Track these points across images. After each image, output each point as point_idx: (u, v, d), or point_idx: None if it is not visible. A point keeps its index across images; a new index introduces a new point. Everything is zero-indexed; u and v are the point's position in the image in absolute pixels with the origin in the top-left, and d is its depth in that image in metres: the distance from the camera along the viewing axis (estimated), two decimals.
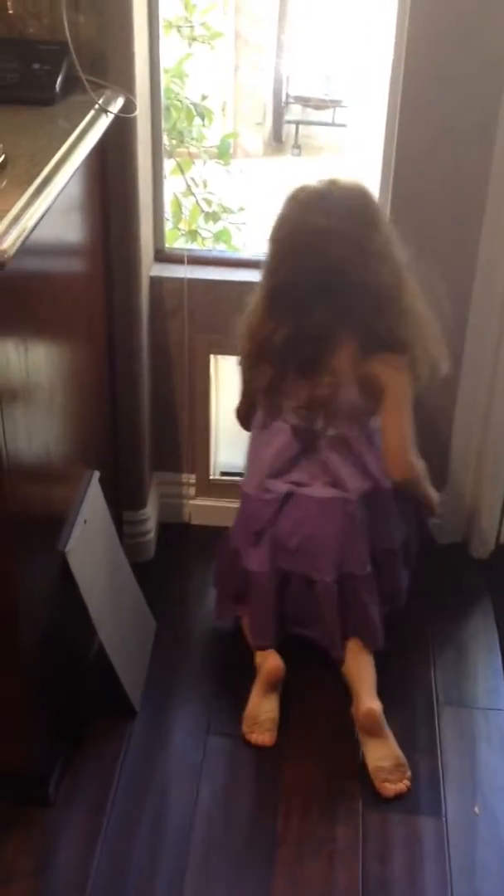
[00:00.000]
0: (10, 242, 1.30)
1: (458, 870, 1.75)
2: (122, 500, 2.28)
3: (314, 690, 2.02)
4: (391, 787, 1.86)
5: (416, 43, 1.95)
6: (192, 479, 2.45)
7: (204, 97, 2.54)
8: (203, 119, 2.51)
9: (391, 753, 1.89)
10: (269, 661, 1.99)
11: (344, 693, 2.01)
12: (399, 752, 1.89)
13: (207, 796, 1.86)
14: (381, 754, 1.88)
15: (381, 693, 2.03)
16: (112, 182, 1.98)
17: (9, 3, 1.83)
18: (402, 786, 1.87)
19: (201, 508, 2.46)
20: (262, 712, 1.96)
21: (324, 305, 1.82)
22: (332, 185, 1.82)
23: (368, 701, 1.91)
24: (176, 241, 2.60)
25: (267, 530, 1.99)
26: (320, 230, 1.78)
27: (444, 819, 1.83)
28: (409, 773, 1.88)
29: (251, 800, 1.86)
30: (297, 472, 1.98)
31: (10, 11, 1.84)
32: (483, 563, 2.43)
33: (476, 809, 1.85)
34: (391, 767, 1.87)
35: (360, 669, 1.98)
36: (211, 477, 2.44)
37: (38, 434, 1.63)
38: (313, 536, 1.95)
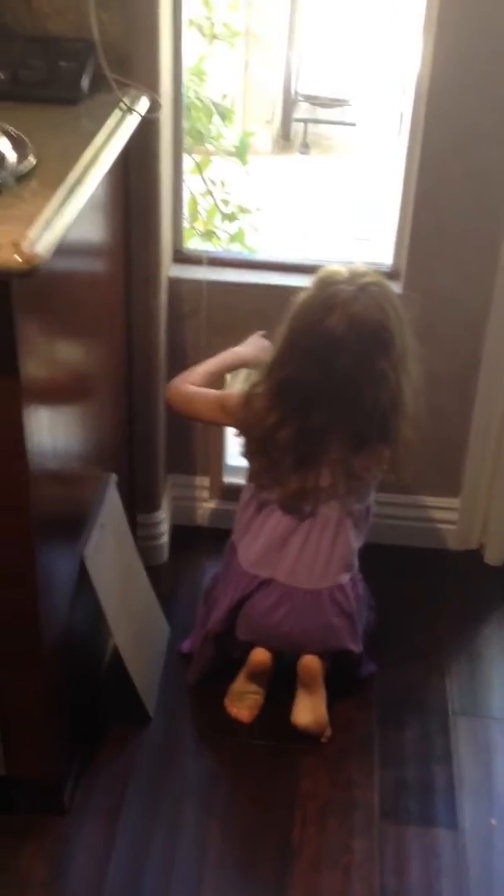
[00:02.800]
0: (45, 247, 1.27)
1: (476, 883, 1.73)
2: (137, 502, 2.26)
3: (330, 700, 1.99)
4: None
5: (443, 45, 1.93)
6: (206, 481, 2.43)
7: (224, 96, 2.52)
8: (223, 118, 2.48)
9: (316, 709, 1.95)
10: (256, 654, 1.98)
11: (360, 706, 2.02)
12: (324, 715, 1.96)
13: (223, 805, 1.85)
14: (308, 706, 1.95)
15: (394, 702, 2.04)
16: (134, 182, 1.95)
17: None
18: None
19: (215, 511, 2.44)
20: (247, 691, 2.00)
21: (325, 409, 1.80)
22: (361, 291, 1.75)
23: (311, 658, 1.95)
24: (191, 241, 2.58)
25: (245, 601, 1.96)
26: (333, 339, 1.74)
27: (460, 831, 1.81)
28: (328, 733, 1.97)
29: (267, 809, 1.84)
30: (289, 549, 1.92)
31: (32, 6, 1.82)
32: (498, 571, 2.41)
33: (493, 821, 1.84)
34: (311, 724, 1.95)
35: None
36: (224, 480, 2.42)
37: (60, 436, 1.61)
38: (305, 630, 1.94)
